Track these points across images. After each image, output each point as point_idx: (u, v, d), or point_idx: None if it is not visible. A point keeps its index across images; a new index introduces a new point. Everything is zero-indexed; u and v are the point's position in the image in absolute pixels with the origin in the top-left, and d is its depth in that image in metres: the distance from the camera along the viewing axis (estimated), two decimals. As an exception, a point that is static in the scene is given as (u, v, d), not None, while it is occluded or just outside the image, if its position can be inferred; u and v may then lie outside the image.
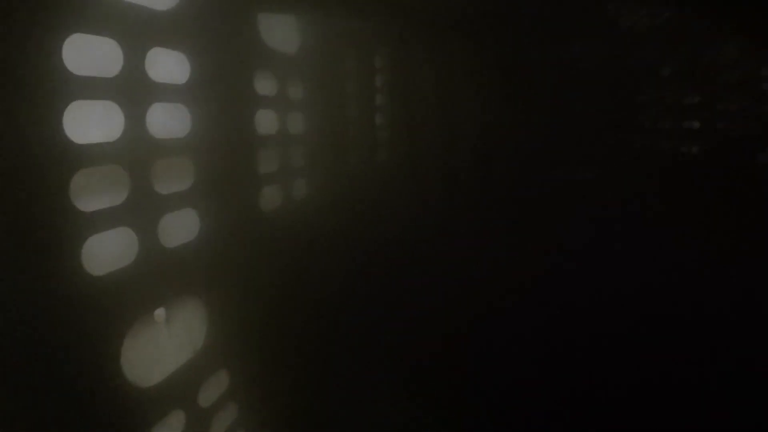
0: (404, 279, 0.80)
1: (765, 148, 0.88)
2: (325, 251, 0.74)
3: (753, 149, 0.87)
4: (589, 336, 0.82)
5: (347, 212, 0.78)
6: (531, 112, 0.92)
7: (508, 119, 0.92)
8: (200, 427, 0.59)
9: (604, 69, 0.92)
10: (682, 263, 0.86)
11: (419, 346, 0.77)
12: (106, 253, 0.54)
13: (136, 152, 0.55)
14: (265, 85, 0.71)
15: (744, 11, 0.81)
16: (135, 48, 0.51)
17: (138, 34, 0.51)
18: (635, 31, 0.90)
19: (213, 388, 0.62)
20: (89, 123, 0.50)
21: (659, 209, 0.91)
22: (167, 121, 0.59)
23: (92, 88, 0.48)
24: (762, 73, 0.86)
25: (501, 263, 0.87)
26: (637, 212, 0.93)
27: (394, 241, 0.81)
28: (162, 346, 0.59)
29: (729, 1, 0.82)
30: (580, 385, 0.80)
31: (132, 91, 0.52)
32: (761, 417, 0.74)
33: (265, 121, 0.73)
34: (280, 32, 0.73)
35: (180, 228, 0.62)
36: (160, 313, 0.59)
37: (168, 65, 0.57)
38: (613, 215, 0.92)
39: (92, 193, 0.52)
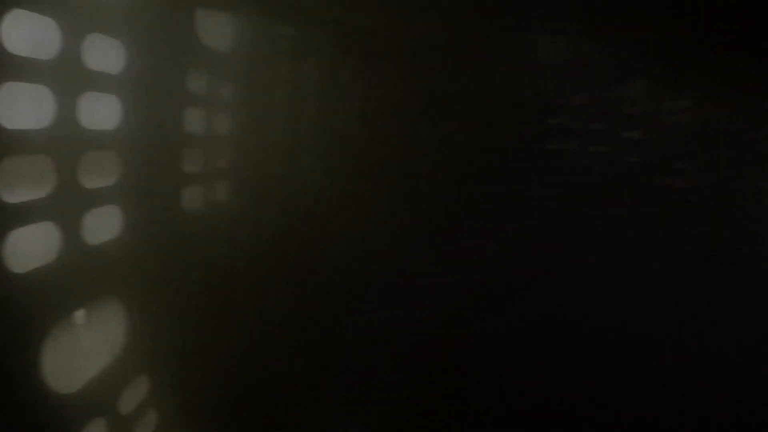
0: (324, 283, 0.81)
1: (662, 176, 0.98)
2: (250, 254, 0.73)
3: (650, 176, 0.97)
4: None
5: (271, 216, 0.77)
6: (449, 130, 0.97)
7: (428, 135, 0.96)
8: (121, 435, 0.56)
9: (518, 95, 0.99)
10: (586, 276, 0.93)
11: (344, 349, 0.77)
12: (28, 249, 0.50)
13: (64, 142, 0.51)
14: (197, 82, 0.69)
15: (650, 51, 0.90)
16: (75, 31, 0.48)
17: (79, 17, 0.48)
18: (551, 63, 0.98)
19: (134, 394, 0.59)
20: (19, 107, 0.47)
21: (561, 225, 0.98)
22: (97, 111, 0.56)
23: (28, 69, 0.44)
24: (663, 107, 0.96)
25: (419, 269, 0.89)
26: (540, 226, 0.99)
27: (314, 243, 0.81)
28: (81, 351, 0.55)
29: (637, 41, 0.91)
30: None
31: (67, 76, 0.49)
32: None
33: (195, 119, 0.70)
34: (216, 30, 0.71)
35: (103, 225, 0.59)
36: (80, 314, 0.56)
37: (104, 53, 0.54)
38: (517, 227, 0.98)
39: (16, 184, 0.48)
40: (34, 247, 0.51)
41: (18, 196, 0.47)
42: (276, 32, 0.79)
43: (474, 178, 0.98)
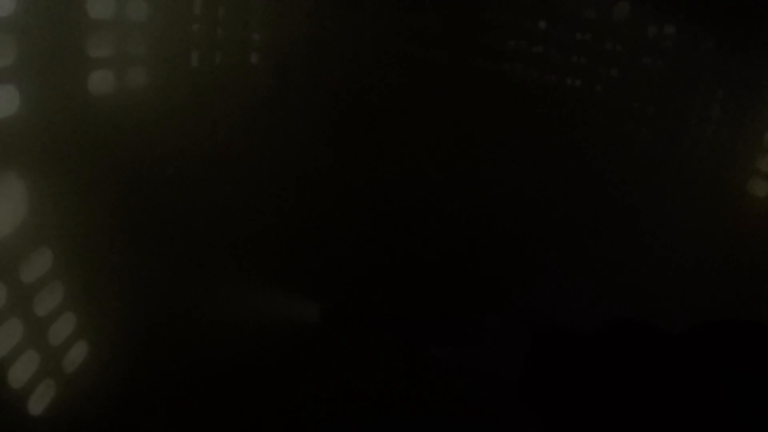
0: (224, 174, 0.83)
1: (600, 82, 0.99)
2: (153, 139, 0.75)
3: (591, 82, 0.99)
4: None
5: (178, 105, 0.78)
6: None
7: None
8: (23, 302, 0.60)
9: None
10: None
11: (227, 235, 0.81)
12: None
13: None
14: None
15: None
16: None
17: None
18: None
19: (37, 266, 0.63)
20: None
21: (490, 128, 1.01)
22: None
23: None
24: (614, 14, 0.97)
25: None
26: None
27: (218, 136, 0.82)
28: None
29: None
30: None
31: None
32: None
33: (104, 4, 0.70)
34: None
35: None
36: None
37: None
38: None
39: None
40: None
41: None
42: None
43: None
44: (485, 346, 0.63)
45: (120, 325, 0.70)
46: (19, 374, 0.60)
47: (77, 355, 0.69)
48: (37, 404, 0.63)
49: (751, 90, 0.97)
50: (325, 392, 0.76)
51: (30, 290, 0.62)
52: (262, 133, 0.88)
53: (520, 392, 0.55)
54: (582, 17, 1.00)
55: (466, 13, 1.05)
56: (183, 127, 0.77)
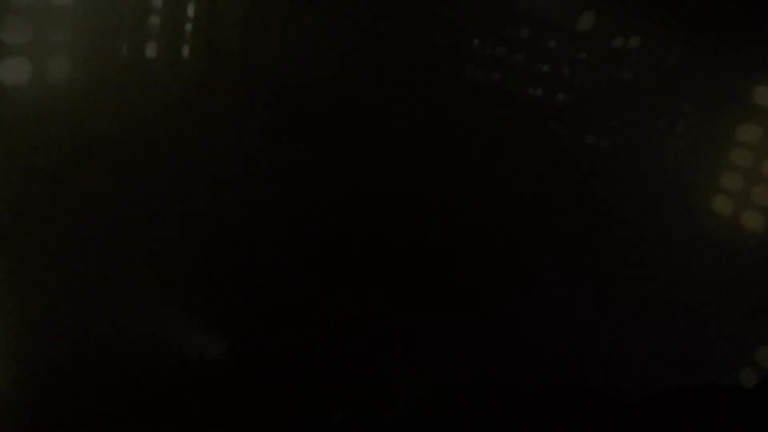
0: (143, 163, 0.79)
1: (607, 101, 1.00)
2: (67, 133, 0.70)
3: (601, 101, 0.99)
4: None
5: (101, 98, 0.74)
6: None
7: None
8: None
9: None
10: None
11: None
12: None
13: None
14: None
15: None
16: None
17: None
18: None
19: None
20: None
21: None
22: None
23: None
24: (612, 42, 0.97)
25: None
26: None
27: (142, 127, 0.78)
28: None
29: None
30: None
31: None
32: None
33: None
34: None
35: None
36: None
37: None
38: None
39: None
40: None
41: None
42: None
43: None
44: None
45: (17, 350, 0.66)
46: None
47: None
48: None
49: (727, 96, 1.02)
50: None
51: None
52: (190, 131, 0.84)
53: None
54: (554, 24, 1.01)
55: (421, 12, 1.03)
56: (101, 120, 0.73)
